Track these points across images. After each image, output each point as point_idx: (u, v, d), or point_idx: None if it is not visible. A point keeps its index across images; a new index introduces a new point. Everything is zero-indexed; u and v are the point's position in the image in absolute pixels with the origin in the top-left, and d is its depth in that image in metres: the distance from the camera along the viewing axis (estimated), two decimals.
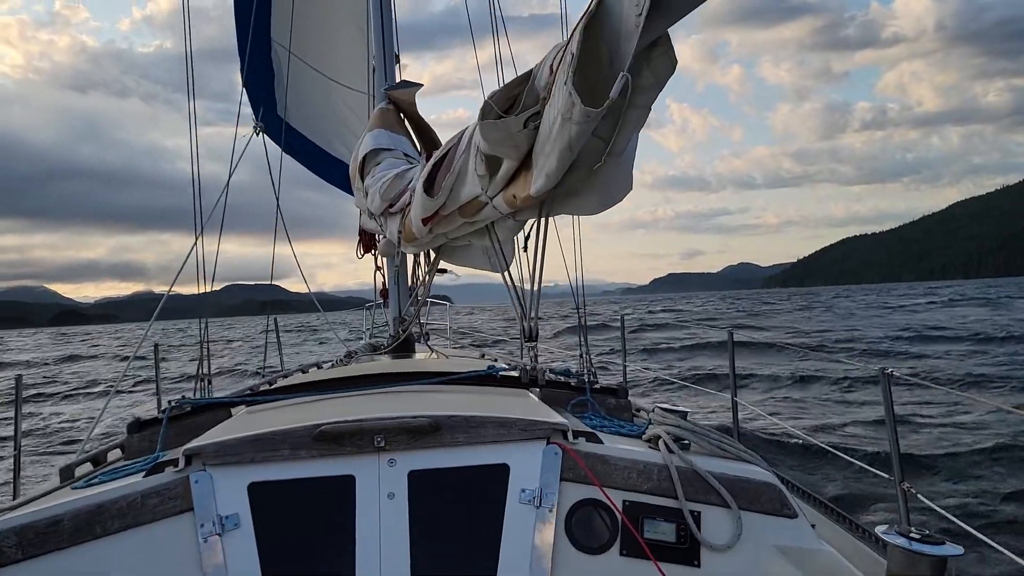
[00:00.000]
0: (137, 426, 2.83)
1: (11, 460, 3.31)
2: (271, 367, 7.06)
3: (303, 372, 4.82)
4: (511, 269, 3.23)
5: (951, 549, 1.44)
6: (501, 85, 2.40)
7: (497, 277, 3.27)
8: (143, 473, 2.06)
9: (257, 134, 6.39)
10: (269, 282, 7.05)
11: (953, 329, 28.17)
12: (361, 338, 7.59)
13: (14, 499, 2.19)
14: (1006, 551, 2.40)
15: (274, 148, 6.79)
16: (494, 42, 6.43)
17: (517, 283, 3.16)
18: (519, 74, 2.38)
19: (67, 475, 2.47)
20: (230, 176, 5.46)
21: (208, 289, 5.38)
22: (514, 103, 2.34)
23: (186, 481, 1.95)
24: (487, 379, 3.15)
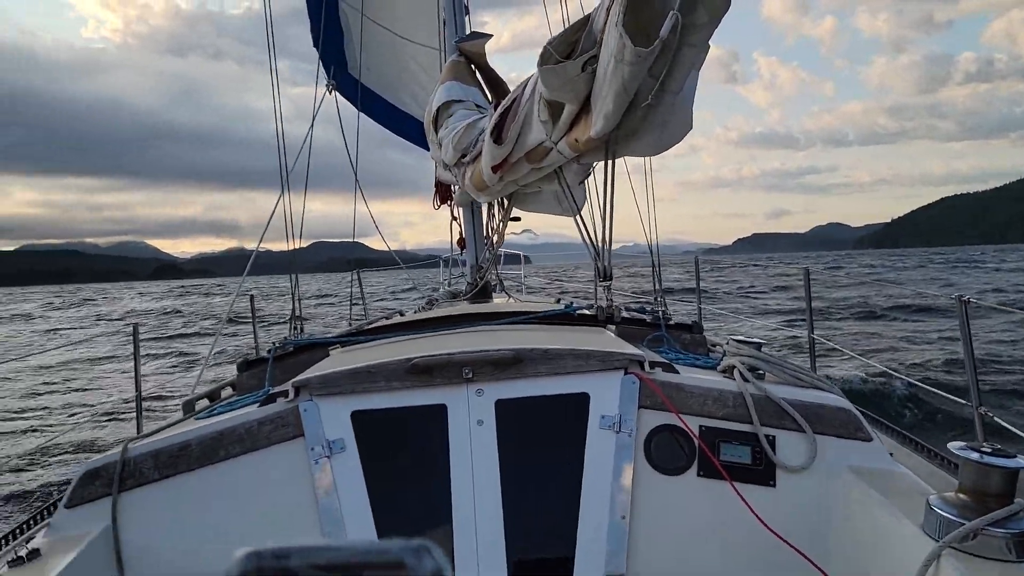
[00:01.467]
0: (245, 365, 3.17)
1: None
2: (356, 317, 7.49)
3: (387, 319, 5.11)
4: (583, 213, 3.29)
5: (1022, 462, 1.46)
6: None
7: (575, 235, 3.33)
8: (257, 404, 2.31)
9: (329, 92, 6.53)
10: (352, 239, 7.31)
11: None
12: (439, 288, 7.90)
13: (138, 432, 2.52)
14: None
15: (353, 107, 6.98)
16: None
17: (589, 226, 3.18)
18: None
19: (189, 408, 2.82)
20: (309, 134, 5.71)
21: (298, 244, 5.69)
22: (574, 48, 2.40)
23: (296, 410, 2.17)
24: (565, 318, 3.26)
